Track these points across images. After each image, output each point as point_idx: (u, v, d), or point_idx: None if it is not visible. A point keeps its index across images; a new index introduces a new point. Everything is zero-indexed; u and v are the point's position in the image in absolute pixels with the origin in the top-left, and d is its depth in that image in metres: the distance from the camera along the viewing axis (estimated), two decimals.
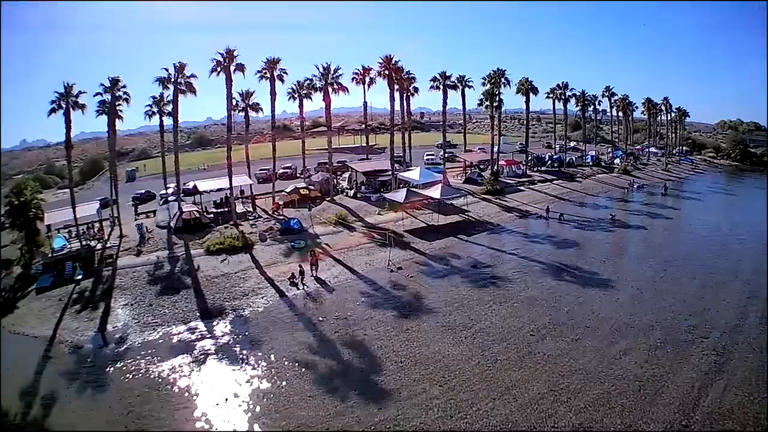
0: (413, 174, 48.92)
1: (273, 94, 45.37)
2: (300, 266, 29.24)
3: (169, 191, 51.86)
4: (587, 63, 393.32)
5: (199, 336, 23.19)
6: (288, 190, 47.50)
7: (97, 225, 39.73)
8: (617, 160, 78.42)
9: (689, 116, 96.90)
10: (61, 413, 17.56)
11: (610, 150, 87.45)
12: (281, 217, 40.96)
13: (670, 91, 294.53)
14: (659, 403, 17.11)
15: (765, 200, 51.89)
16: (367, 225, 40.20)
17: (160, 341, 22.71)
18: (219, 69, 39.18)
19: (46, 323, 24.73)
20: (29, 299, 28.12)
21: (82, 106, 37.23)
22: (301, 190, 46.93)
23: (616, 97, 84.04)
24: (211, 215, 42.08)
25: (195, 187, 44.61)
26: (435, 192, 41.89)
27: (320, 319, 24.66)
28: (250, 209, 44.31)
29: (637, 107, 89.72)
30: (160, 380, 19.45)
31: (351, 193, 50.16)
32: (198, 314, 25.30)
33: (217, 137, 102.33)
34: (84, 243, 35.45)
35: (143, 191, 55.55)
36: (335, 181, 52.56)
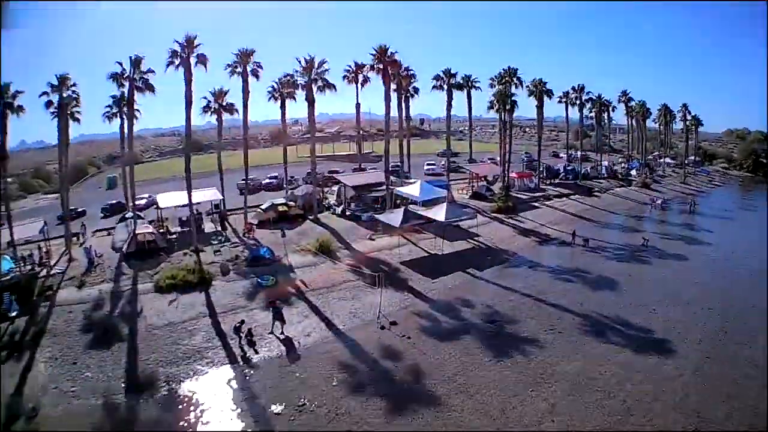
0: (412, 189, 42.68)
1: (246, 92, 39.66)
2: (240, 323, 22.90)
3: (142, 203, 47.22)
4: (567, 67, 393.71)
5: (113, 426, 17.49)
6: (264, 206, 41.11)
7: (44, 247, 34.30)
8: (633, 172, 73.54)
9: (703, 125, 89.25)
10: None
11: (622, 160, 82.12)
12: (252, 242, 35.04)
13: (668, 98, 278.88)
14: None
15: None
16: (356, 255, 33.69)
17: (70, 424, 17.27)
18: (177, 62, 32.66)
19: None
20: None
21: (19, 109, 32.45)
22: (279, 207, 40.34)
23: (632, 103, 78.54)
24: (174, 235, 36.56)
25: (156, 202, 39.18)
26: (439, 213, 35.40)
27: (276, 412, 17.78)
28: (219, 229, 38.23)
29: (651, 113, 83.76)
30: None
31: (339, 210, 43.49)
32: (123, 385, 19.73)
33: (210, 141, 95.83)
34: (28, 268, 30.50)
35: (115, 201, 50.51)
36: (323, 194, 46.35)
